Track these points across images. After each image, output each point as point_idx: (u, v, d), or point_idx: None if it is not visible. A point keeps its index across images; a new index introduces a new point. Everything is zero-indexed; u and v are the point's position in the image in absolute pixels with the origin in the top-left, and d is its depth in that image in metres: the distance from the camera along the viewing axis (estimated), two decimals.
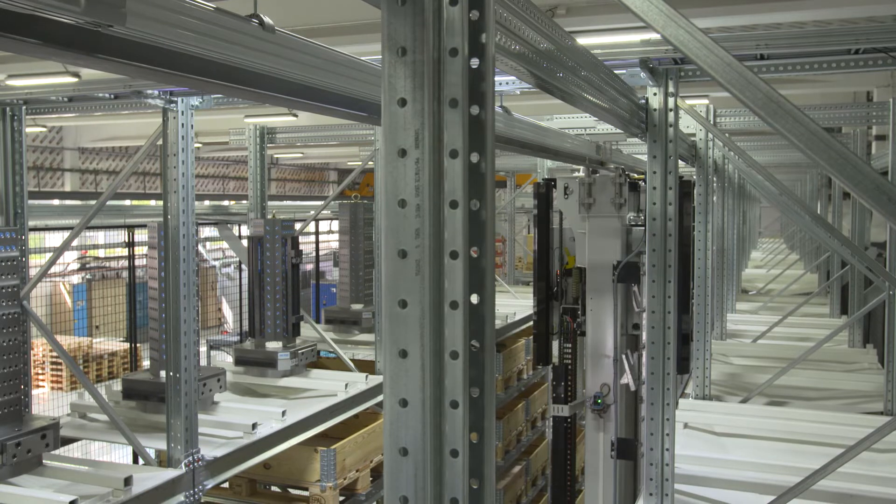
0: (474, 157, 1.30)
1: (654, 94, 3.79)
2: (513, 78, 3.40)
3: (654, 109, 3.80)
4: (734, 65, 1.54)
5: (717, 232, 7.05)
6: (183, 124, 4.38)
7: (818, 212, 11.38)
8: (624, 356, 5.81)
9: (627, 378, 5.71)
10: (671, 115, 3.78)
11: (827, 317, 9.11)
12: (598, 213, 5.92)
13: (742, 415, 5.21)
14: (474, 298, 1.28)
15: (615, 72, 3.52)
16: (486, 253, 1.29)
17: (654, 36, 3.69)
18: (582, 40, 2.97)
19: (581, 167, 6.15)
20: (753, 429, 4.97)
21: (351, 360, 6.58)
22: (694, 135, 6.03)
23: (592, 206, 5.92)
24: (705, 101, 6.64)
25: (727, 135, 5.96)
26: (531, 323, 6.59)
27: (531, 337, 6.82)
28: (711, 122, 5.89)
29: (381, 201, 6.72)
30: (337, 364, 6.72)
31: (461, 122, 1.28)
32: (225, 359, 8.64)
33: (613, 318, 5.80)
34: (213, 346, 10.74)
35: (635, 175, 6.24)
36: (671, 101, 3.78)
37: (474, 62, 1.31)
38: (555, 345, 6.38)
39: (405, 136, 1.28)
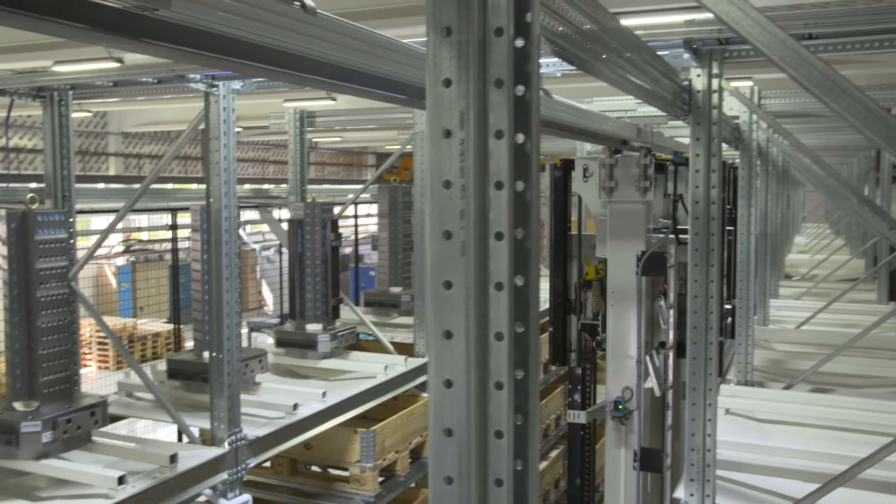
0: (519, 138, 1.29)
1: (698, 75, 3.73)
2: (554, 60, 3.37)
3: (698, 91, 3.73)
4: (788, 42, 1.51)
5: (760, 216, 6.93)
6: (224, 108, 4.42)
7: (866, 195, 11.11)
8: (648, 357, 5.34)
9: (652, 382, 5.27)
10: (715, 96, 3.72)
11: (874, 303, 8.92)
12: (620, 198, 5.42)
13: (785, 401, 5.13)
14: (519, 280, 1.27)
15: (658, 53, 3.46)
16: (530, 234, 1.29)
17: (699, 16, 3.63)
18: (625, 21, 2.93)
19: (602, 146, 5.61)
20: (797, 416, 4.90)
21: (390, 342, 6.62)
22: (737, 117, 5.91)
23: (614, 191, 5.44)
24: (749, 83, 6.50)
25: (772, 117, 5.84)
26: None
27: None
28: (756, 104, 5.77)
29: (420, 184, 6.73)
30: (376, 346, 6.77)
31: (506, 102, 1.27)
32: (265, 341, 8.75)
33: (637, 314, 5.31)
34: (253, 329, 10.88)
35: (662, 156, 5.78)
36: (715, 82, 3.72)
37: (519, 42, 1.29)
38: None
39: (450, 116, 1.27)
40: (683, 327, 5.59)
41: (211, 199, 4.45)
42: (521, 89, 1.29)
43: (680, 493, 3.65)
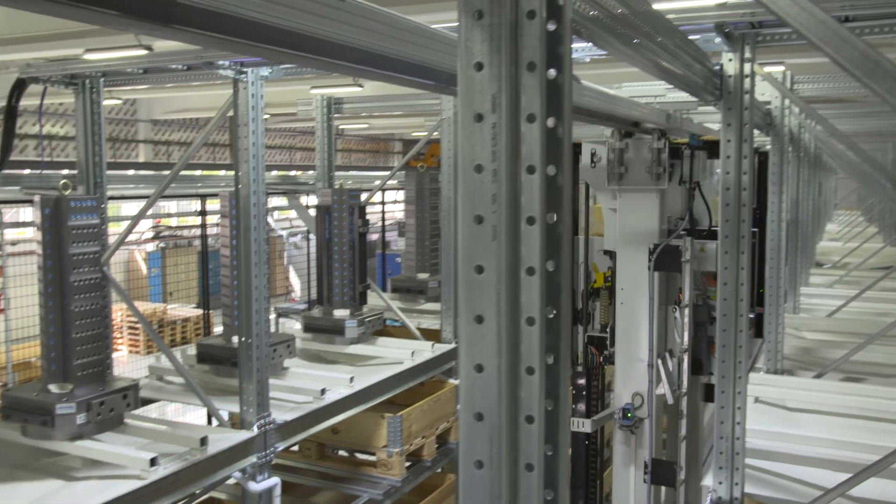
0: (551, 122, 1.28)
1: (730, 59, 3.68)
2: (585, 45, 3.34)
3: (730, 76, 3.68)
4: (829, 23, 1.47)
5: (791, 203, 6.84)
6: (253, 94, 4.44)
7: None
8: (660, 360, 5.01)
9: (664, 388, 4.92)
10: (747, 81, 3.66)
11: None
12: (631, 186, 5.05)
13: (816, 390, 5.07)
14: (550, 265, 1.27)
15: (690, 37, 3.41)
16: (562, 219, 1.28)
17: None
18: (656, 5, 2.89)
19: (611, 129, 5.21)
20: (828, 405, 4.84)
21: (417, 328, 6.64)
22: (769, 103, 5.83)
23: (624, 177, 5.07)
24: (781, 68, 6.40)
25: (805, 102, 5.75)
26: None
27: None
28: (789, 89, 5.68)
29: (447, 170, 6.72)
30: (403, 332, 6.79)
31: (539, 85, 1.26)
32: (293, 326, 8.83)
33: (649, 313, 4.97)
34: (281, 314, 10.97)
35: (677, 139, 5.39)
36: (747, 66, 3.66)
37: (551, 26, 1.28)
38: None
39: (482, 100, 1.27)
40: (700, 341, 5.32)
41: (240, 186, 4.48)
42: (553, 73, 1.28)
43: (708, 481, 3.64)
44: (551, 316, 1.26)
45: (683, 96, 6.15)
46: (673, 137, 5.28)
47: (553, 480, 1.26)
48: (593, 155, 5.16)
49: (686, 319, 5.00)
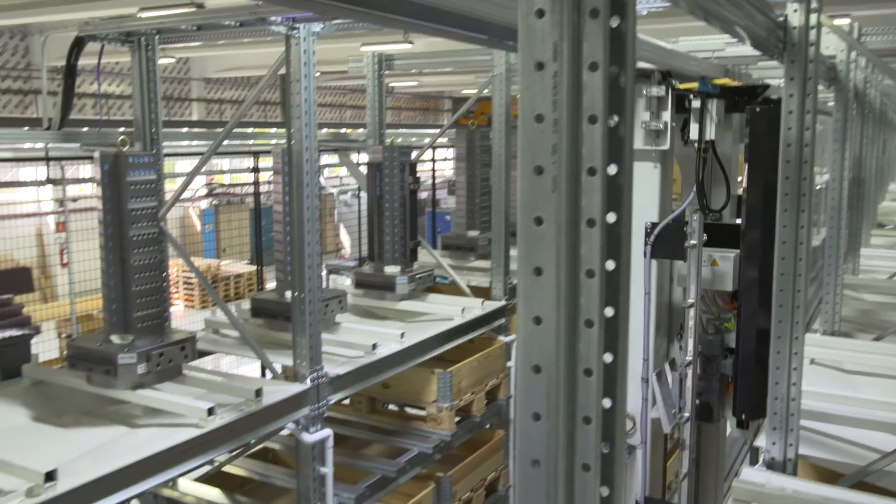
0: (614, 71, 1.25)
1: (795, 10, 3.54)
2: None
3: (794, 27, 3.54)
4: None
5: (854, 161, 6.62)
6: (305, 51, 4.44)
7: None
8: (655, 375, 4.21)
9: (660, 411, 4.14)
10: (812, 33, 3.52)
11: None
12: None
13: (874, 353, 4.95)
14: (611, 217, 1.25)
15: None
16: (624, 171, 1.25)
17: None
18: None
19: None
20: (886, 367, 4.73)
21: (467, 285, 6.66)
22: (834, 57, 5.61)
23: None
24: (847, 21, 6.15)
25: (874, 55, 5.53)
26: None
27: None
28: (856, 41, 5.46)
29: (496, 127, 6.66)
30: (453, 289, 6.82)
31: (601, 33, 1.23)
32: (343, 283, 8.93)
33: (644, 312, 4.11)
34: (331, 271, 11.09)
35: (683, 85, 4.35)
36: (813, 17, 3.52)
37: None
38: None
39: (543, 48, 1.24)
40: (711, 379, 4.43)
41: (292, 142, 4.51)
42: (616, 20, 1.24)
43: (761, 441, 3.60)
44: (611, 269, 1.24)
45: (743, 50, 5.96)
46: (678, 82, 4.30)
47: (610, 434, 1.25)
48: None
49: (691, 322, 4.18)
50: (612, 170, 1.25)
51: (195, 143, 10.59)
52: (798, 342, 3.51)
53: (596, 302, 1.22)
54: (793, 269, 3.52)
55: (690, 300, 4.19)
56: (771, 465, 3.46)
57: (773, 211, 4.01)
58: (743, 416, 4.46)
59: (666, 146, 4.10)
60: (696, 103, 4.36)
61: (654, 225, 4.10)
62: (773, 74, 7.72)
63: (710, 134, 4.37)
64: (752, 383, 4.33)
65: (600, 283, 1.22)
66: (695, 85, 4.36)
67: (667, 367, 4.38)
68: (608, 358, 1.24)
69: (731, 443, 7.07)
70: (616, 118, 1.25)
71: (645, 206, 4.16)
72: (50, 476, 3.16)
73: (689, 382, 4.23)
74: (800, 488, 3.21)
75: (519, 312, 1.25)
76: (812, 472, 3.68)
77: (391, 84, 24.49)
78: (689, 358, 4.24)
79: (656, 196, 4.24)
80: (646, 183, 4.20)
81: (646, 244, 4.07)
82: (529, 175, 1.25)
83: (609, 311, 1.24)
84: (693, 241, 4.12)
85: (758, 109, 4.32)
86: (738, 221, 4.50)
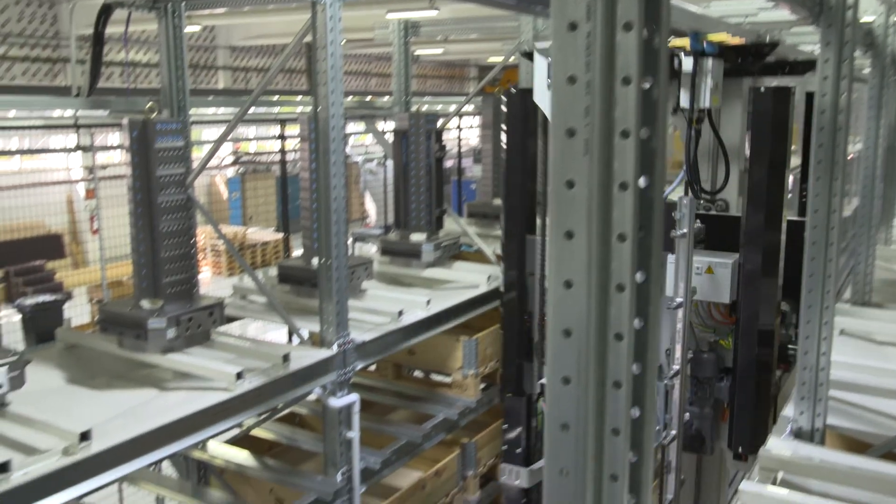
0: (648, 31, 1.23)
1: None
2: None
3: None
4: None
5: (889, 129, 6.48)
6: (331, 17, 4.41)
7: None
8: None
9: None
10: None
11: None
12: None
13: None
14: (643, 181, 1.23)
15: None
16: (657, 134, 1.24)
17: None
18: None
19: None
20: None
21: (492, 253, 6.65)
22: (871, 21, 5.47)
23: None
24: None
25: None
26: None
27: None
28: None
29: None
30: (478, 257, 6.82)
31: None
32: (369, 251, 8.97)
33: None
34: (357, 239, 11.14)
35: (671, 42, 3.80)
36: None
37: None
38: None
39: (576, 8, 1.22)
40: (703, 404, 4.01)
41: (318, 108, 4.50)
42: None
43: (789, 411, 3.58)
44: (643, 233, 1.23)
45: (777, 15, 5.82)
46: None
47: (640, 398, 1.25)
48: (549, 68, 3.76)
49: (679, 325, 3.64)
50: (645, 133, 1.23)
51: (221, 110, 10.62)
52: (828, 311, 3.47)
53: (627, 266, 1.21)
54: (825, 238, 3.47)
55: (679, 299, 3.58)
56: (798, 435, 3.44)
57: (779, 209, 3.71)
58: (740, 449, 3.86)
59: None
60: (687, 64, 3.77)
61: None
62: (806, 40, 7.56)
63: (706, 101, 3.82)
64: (752, 410, 3.79)
65: (632, 246, 1.21)
66: (685, 42, 3.79)
67: None
68: (638, 323, 1.24)
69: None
70: (650, 80, 1.22)
71: None
72: (85, 436, 3.23)
73: (675, 395, 3.62)
74: (827, 458, 3.19)
75: (550, 276, 1.24)
76: (840, 442, 3.66)
77: (416, 52, 24.34)
78: (676, 367, 3.66)
79: None
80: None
81: None
82: (561, 137, 1.23)
83: (640, 276, 1.23)
84: (683, 230, 3.56)
85: (762, 90, 3.75)
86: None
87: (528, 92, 3.91)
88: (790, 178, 4.27)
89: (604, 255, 1.22)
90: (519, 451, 4.14)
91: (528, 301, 4.62)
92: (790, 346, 4.15)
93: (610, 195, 1.22)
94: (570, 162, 1.22)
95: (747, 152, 4.00)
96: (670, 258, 3.59)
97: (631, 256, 1.21)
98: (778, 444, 3.27)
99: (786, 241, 3.97)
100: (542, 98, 3.50)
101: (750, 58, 4.13)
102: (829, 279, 3.48)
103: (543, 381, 3.78)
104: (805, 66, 4.35)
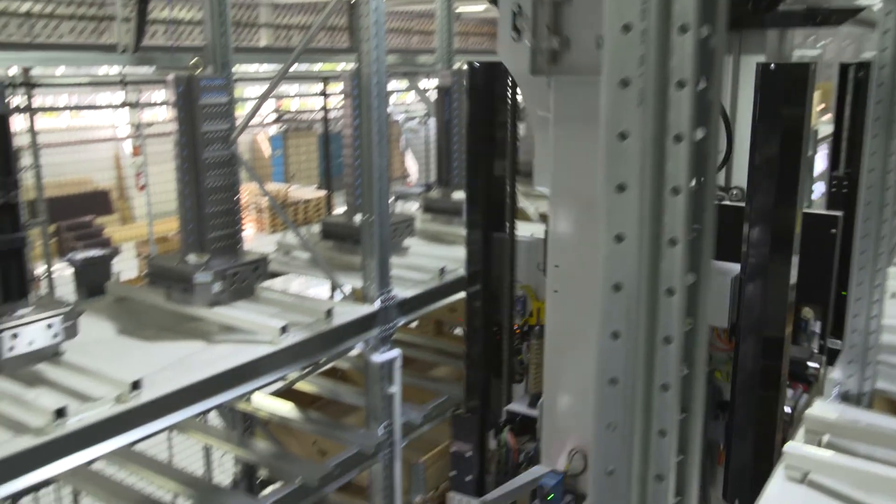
0: None
1: None
2: None
3: None
4: None
5: None
6: None
7: None
8: None
9: None
10: None
11: None
12: (574, 73, 2.73)
13: None
14: (699, 133, 1.20)
15: None
16: (713, 84, 1.20)
17: None
18: None
19: None
20: None
21: (535, 211, 6.61)
22: None
23: (562, 57, 2.72)
24: None
25: None
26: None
27: None
28: None
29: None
30: (521, 215, 6.77)
31: None
32: (410, 209, 8.97)
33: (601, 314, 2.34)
34: (399, 197, 11.14)
35: None
36: None
37: None
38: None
39: None
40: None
41: (361, 65, 4.47)
42: None
43: (836, 374, 3.52)
44: (697, 186, 1.20)
45: None
46: None
47: (691, 353, 1.24)
48: (516, 15, 2.81)
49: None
50: (702, 83, 1.19)
51: (263, 68, 10.63)
52: (881, 274, 3.39)
53: (681, 220, 1.18)
54: (879, 199, 3.37)
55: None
56: (845, 398, 3.39)
57: (794, 203, 2.97)
58: (736, 502, 3.20)
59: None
60: None
61: None
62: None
63: None
64: (751, 453, 3.12)
65: (686, 199, 1.18)
66: None
67: None
68: (691, 278, 1.21)
69: None
70: (708, 27, 1.18)
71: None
72: (136, 385, 3.32)
73: None
74: (875, 421, 3.14)
75: (601, 230, 1.23)
76: (888, 406, 3.59)
77: (459, 9, 24.02)
78: None
79: None
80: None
81: None
82: (614, 88, 1.20)
83: (695, 230, 1.20)
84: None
85: (772, 67, 3.03)
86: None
87: (496, 66, 3.41)
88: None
89: (656, 209, 1.19)
90: (469, 479, 3.63)
91: (500, 312, 3.81)
92: (810, 362, 3.53)
93: (664, 147, 1.19)
94: (623, 113, 1.19)
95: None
96: None
97: (685, 210, 1.19)
98: (824, 407, 3.22)
99: (808, 239, 3.25)
100: (508, 54, 2.89)
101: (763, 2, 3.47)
102: (883, 241, 3.39)
103: (513, 406, 3.57)
104: (842, 15, 3.71)
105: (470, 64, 3.82)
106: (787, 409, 3.30)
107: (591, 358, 2.16)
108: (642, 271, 1.20)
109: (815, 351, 3.61)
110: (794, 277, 3.04)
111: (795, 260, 3.04)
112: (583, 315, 2.81)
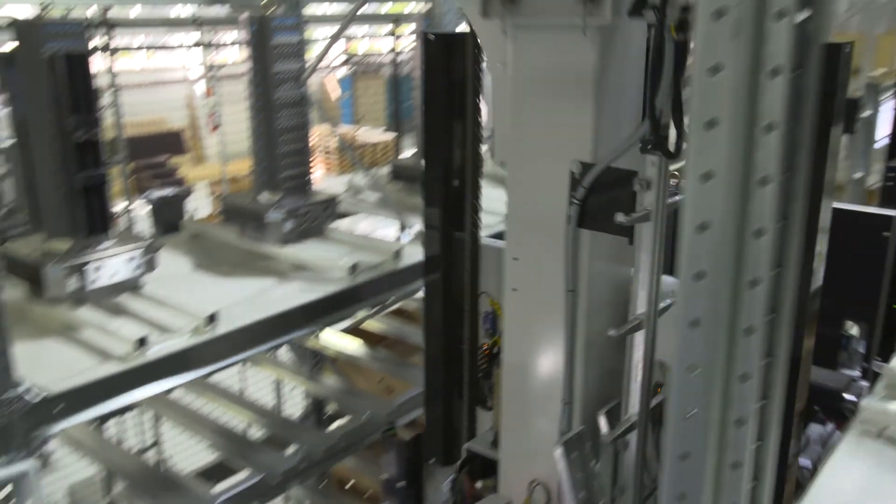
0: None
1: None
2: None
3: None
4: None
5: None
6: None
7: None
8: (562, 446, 2.22)
9: (564, 485, 2.17)
10: None
11: None
12: (536, 19, 2.12)
13: None
14: (798, 70, 1.14)
15: None
16: (818, 16, 1.13)
17: None
18: None
19: None
20: None
21: None
22: None
23: (520, 3, 2.11)
24: None
25: None
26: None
27: None
28: None
29: None
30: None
31: None
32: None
33: (566, 313, 2.17)
34: None
35: None
36: None
37: None
38: None
39: None
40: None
41: (432, 5, 4.41)
42: None
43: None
44: (792, 124, 1.15)
45: None
46: None
47: (778, 302, 1.20)
48: None
49: (638, 353, 2.22)
50: (803, 15, 1.13)
51: (333, 8, 10.57)
52: None
53: (774, 159, 1.13)
54: None
55: (639, 310, 2.16)
56: None
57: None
58: None
59: (607, 19, 1.95)
60: None
61: (584, 169, 2.09)
62: None
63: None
64: None
65: (780, 137, 1.13)
66: None
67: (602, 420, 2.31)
68: (781, 220, 1.17)
69: None
70: None
71: (570, 130, 2.13)
72: (212, 318, 3.43)
73: (630, 455, 2.29)
74: None
75: (688, 168, 1.19)
76: None
77: None
78: (631, 415, 2.25)
79: (589, 112, 2.09)
80: (573, 85, 2.10)
81: (571, 201, 2.11)
82: (707, 20, 1.15)
83: (786, 171, 1.15)
84: (646, 210, 1.97)
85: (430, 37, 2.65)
86: None
87: (452, 37, 2.75)
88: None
89: (747, 147, 1.15)
90: None
91: (462, 325, 2.94)
92: (846, 393, 2.81)
93: (758, 82, 1.13)
94: (717, 45, 1.14)
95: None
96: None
97: (778, 150, 1.14)
98: (879, 403, 3.08)
99: (854, 242, 2.83)
100: None
101: None
102: None
103: (471, 445, 2.72)
104: None
105: (424, 35, 2.96)
106: (807, 463, 2.61)
107: (558, 373, 1.99)
108: (730, 211, 1.16)
109: (858, 374, 2.97)
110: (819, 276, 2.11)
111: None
112: (547, 321, 2.23)
